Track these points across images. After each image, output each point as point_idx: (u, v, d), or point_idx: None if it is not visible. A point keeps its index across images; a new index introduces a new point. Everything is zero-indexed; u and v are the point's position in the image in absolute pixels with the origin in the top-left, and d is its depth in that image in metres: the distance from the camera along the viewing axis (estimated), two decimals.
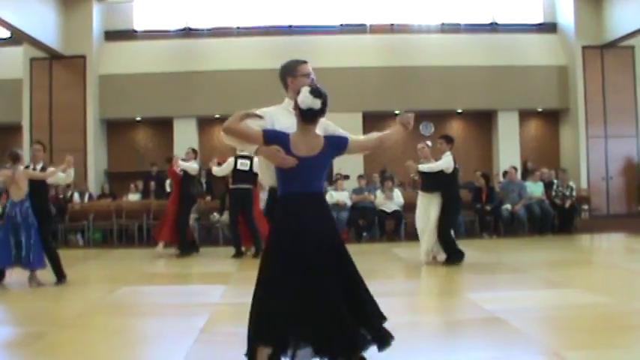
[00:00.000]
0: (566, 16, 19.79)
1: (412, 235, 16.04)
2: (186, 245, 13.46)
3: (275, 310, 4.14)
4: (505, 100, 19.65)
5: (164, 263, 12.76)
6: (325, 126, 4.66)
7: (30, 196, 9.47)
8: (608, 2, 18.95)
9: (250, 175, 12.66)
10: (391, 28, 20.02)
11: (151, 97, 19.33)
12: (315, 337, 4.14)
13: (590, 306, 7.09)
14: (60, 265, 9.74)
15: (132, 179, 18.40)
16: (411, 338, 5.74)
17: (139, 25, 20.18)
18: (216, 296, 8.22)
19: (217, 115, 19.42)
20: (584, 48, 19.35)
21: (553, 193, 16.77)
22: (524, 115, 20.41)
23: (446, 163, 10.93)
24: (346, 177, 17.28)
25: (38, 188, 9.68)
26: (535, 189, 16.61)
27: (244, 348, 4.29)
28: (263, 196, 12.42)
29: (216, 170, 13.40)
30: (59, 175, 9.98)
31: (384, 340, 4.33)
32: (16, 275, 9.68)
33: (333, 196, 16.16)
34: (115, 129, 20.52)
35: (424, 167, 10.96)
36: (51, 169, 9.97)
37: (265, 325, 4.16)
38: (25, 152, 18.24)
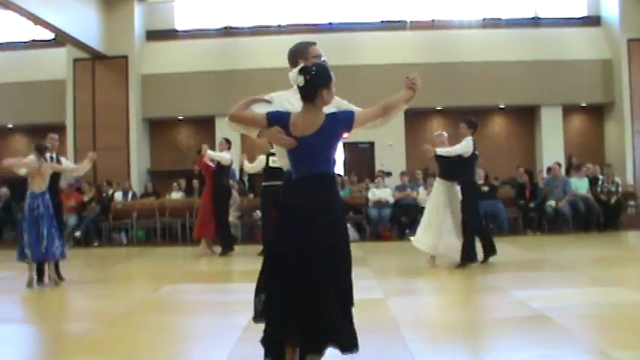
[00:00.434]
0: (610, 8, 19.49)
1: None
2: (228, 241, 13.42)
3: (270, 302, 4.19)
4: (548, 95, 19.42)
5: (207, 261, 12.83)
6: (338, 104, 4.59)
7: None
8: None
9: (282, 172, 12.46)
10: (432, 24, 19.91)
11: (192, 95, 19.48)
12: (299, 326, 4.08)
13: (638, 304, 6.96)
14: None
15: (174, 178, 18.48)
16: (457, 336, 5.69)
17: (180, 25, 20.34)
18: None
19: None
20: (629, 41, 19.02)
21: (598, 189, 16.49)
22: (568, 110, 20.15)
23: (464, 147, 10.31)
24: (388, 174, 17.23)
25: (52, 180, 9.87)
26: (580, 185, 16.36)
27: None
28: None
29: (248, 167, 13.31)
30: (79, 169, 10.52)
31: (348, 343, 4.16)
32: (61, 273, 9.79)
33: (375, 193, 16.12)
34: (158, 128, 20.71)
35: (442, 151, 10.40)
36: (67, 163, 10.51)
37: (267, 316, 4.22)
38: (70, 152, 18.69)
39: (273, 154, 11.87)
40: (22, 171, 9.78)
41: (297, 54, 4.71)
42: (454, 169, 10.46)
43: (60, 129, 19.78)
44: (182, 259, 13.28)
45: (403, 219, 16.01)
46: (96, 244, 16.30)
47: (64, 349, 5.78)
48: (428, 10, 20.05)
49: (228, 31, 20.22)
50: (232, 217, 15.04)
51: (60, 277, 9.70)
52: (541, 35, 19.64)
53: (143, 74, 19.75)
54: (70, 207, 16.50)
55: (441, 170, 10.79)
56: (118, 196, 17.69)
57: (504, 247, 13.30)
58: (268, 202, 12.33)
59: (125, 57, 19.44)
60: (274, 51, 19.23)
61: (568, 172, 17.60)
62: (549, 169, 17.16)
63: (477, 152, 10.50)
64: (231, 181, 14.64)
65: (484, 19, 19.89)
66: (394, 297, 7.88)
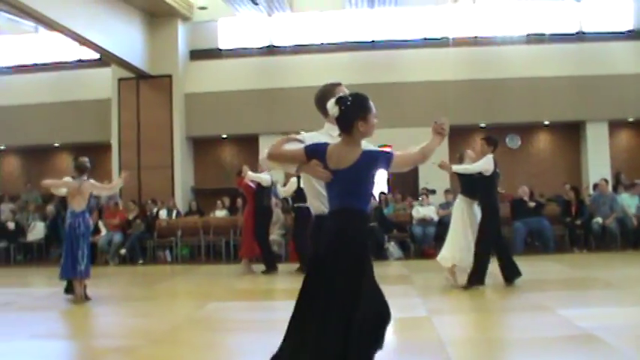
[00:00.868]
0: None
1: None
2: (271, 260, 13.46)
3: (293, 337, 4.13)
4: (593, 110, 19.15)
5: (251, 279, 12.84)
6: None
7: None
8: None
9: None
10: (474, 41, 19.80)
11: (236, 114, 19.60)
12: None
13: None
14: None
15: (218, 196, 18.57)
16: (503, 355, 5.61)
17: (223, 44, 20.50)
18: None
19: (302, 131, 19.58)
20: None
21: None
22: (614, 126, 19.85)
23: (484, 165, 9.91)
24: (432, 191, 17.14)
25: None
26: (630, 202, 16.09)
27: None
28: None
29: (281, 191, 13.52)
30: (113, 188, 10.71)
31: None
32: (104, 291, 9.88)
33: (419, 211, 16.07)
34: (201, 146, 20.86)
35: (459, 168, 10.12)
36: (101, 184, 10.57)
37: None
38: (115, 170, 18.92)
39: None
40: (62, 191, 9.96)
41: (323, 97, 4.60)
42: (474, 187, 10.19)
43: (105, 148, 20.15)
44: (226, 277, 13.33)
45: None
46: (141, 261, 16.43)
47: None
48: (470, 26, 19.96)
49: (270, 50, 20.34)
50: (276, 235, 15.08)
51: (87, 297, 9.75)
52: (586, 50, 19.41)
53: (187, 93, 19.94)
54: (115, 225, 16.70)
55: (462, 187, 10.53)
56: (163, 214, 17.85)
57: (550, 264, 13.16)
58: (302, 223, 12.59)
59: (169, 76, 19.65)
60: (316, 69, 19.39)
61: (615, 189, 17.32)
62: (596, 186, 16.90)
63: (497, 170, 10.10)
64: (274, 200, 14.67)
65: (528, 35, 19.71)
66: (439, 315, 7.81)
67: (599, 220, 15.72)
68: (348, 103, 4.09)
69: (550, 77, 18.98)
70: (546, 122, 19.95)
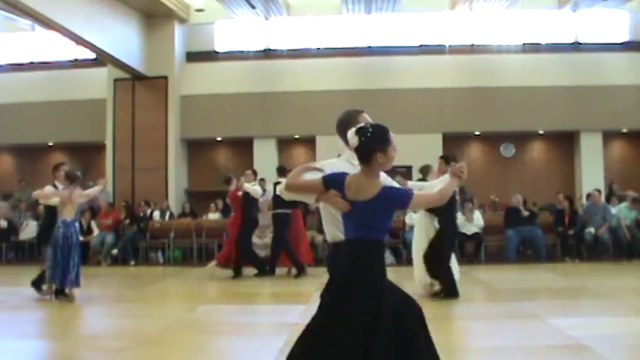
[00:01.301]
0: None
1: (493, 258, 15.88)
2: (259, 263, 13.52)
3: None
4: (588, 120, 19.18)
5: (243, 282, 12.80)
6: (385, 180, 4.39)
7: (53, 215, 9.91)
8: None
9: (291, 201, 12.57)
10: (471, 49, 19.83)
11: (231, 117, 19.58)
12: None
13: None
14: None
15: (212, 198, 18.53)
16: None
17: (219, 47, 20.48)
18: (294, 316, 8.13)
19: (297, 136, 19.62)
20: None
21: None
22: (609, 136, 19.89)
23: (440, 184, 9.67)
24: None
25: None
26: (627, 215, 16.11)
27: None
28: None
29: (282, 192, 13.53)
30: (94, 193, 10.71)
31: None
32: (96, 292, 9.86)
33: (412, 217, 16.02)
34: (196, 148, 20.83)
35: (415, 185, 9.84)
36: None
37: None
38: (109, 170, 18.89)
39: (279, 183, 12.10)
40: (54, 200, 10.03)
41: (346, 124, 4.45)
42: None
43: (99, 148, 20.11)
44: (218, 280, 13.28)
45: None
46: (133, 262, 16.38)
47: None
48: (467, 34, 19.99)
49: (267, 54, 20.32)
50: (268, 239, 15.03)
51: (68, 295, 9.77)
52: (581, 60, 19.44)
53: (182, 95, 19.92)
54: (108, 225, 16.67)
55: None
56: (156, 215, 17.82)
57: (542, 273, 13.18)
58: (280, 228, 13.29)
59: (165, 77, 19.62)
60: (312, 74, 19.43)
61: (608, 200, 17.35)
62: (589, 196, 16.92)
63: (456, 189, 9.94)
64: (268, 204, 14.72)
65: (524, 44, 19.74)
66: (429, 323, 7.80)
67: (591, 230, 15.75)
68: (369, 134, 4.01)
69: (545, 87, 19.00)
70: (541, 131, 19.99)
